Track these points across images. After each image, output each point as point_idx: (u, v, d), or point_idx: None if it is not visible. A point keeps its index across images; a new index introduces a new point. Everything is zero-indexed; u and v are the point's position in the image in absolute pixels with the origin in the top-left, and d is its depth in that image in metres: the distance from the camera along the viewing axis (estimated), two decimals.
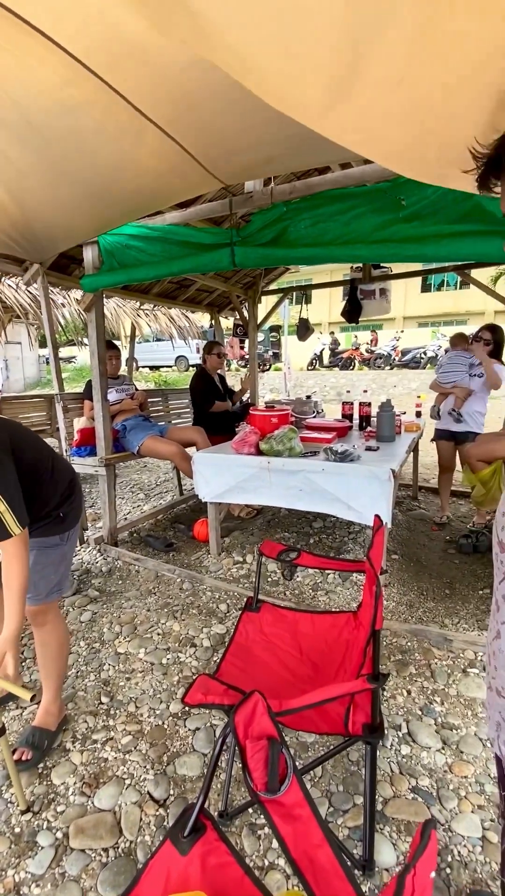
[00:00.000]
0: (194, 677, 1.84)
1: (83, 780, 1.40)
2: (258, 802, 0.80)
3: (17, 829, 1.27)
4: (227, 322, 5.64)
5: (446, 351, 3.75)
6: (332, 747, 1.49)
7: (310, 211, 2.22)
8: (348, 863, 0.81)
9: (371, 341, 15.69)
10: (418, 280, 18.62)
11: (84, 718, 1.63)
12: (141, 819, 1.28)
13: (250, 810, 1.30)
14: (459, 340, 3.48)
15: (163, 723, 1.62)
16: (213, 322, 5.19)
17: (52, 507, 1.49)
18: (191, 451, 3.17)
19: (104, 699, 1.72)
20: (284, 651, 1.47)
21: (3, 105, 1.27)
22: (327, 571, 2.64)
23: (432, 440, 3.47)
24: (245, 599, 2.38)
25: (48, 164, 1.57)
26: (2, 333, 4.29)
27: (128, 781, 1.40)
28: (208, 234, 2.52)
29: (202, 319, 5.86)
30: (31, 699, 1.12)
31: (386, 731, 1.53)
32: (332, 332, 16.28)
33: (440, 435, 3.36)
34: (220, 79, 1.21)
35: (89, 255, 2.81)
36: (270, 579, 2.61)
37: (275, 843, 1.22)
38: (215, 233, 2.53)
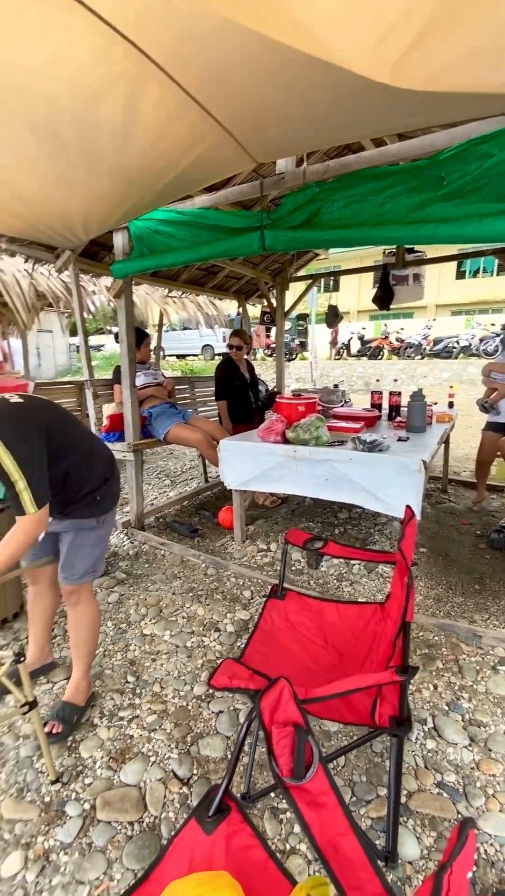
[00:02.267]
0: (219, 661, 1.85)
1: (110, 754, 1.44)
2: (283, 788, 0.80)
3: (47, 799, 1.31)
4: (254, 310, 5.59)
5: None
6: (355, 737, 1.48)
7: (343, 191, 2.14)
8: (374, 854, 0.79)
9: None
10: (453, 266, 17.93)
11: (111, 696, 1.67)
12: (165, 796, 1.31)
13: (273, 794, 1.31)
14: None
15: (187, 704, 1.64)
16: (240, 310, 5.15)
17: (88, 489, 1.51)
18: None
19: (130, 678, 1.76)
20: (308, 640, 1.46)
21: (34, 107, 1.27)
22: (353, 562, 2.60)
23: (483, 430, 3.44)
24: (269, 587, 2.38)
25: (80, 154, 1.56)
26: (35, 321, 4.38)
27: (152, 759, 1.43)
28: (238, 218, 2.48)
29: (229, 307, 5.82)
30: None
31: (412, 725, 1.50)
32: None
33: (489, 426, 3.37)
34: (251, 45, 1.17)
35: (119, 241, 2.82)
36: (294, 568, 2.60)
37: (297, 828, 1.23)
38: (245, 216, 2.48)
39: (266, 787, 1.29)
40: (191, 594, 2.35)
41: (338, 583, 2.44)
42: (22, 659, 1.21)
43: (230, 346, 3.74)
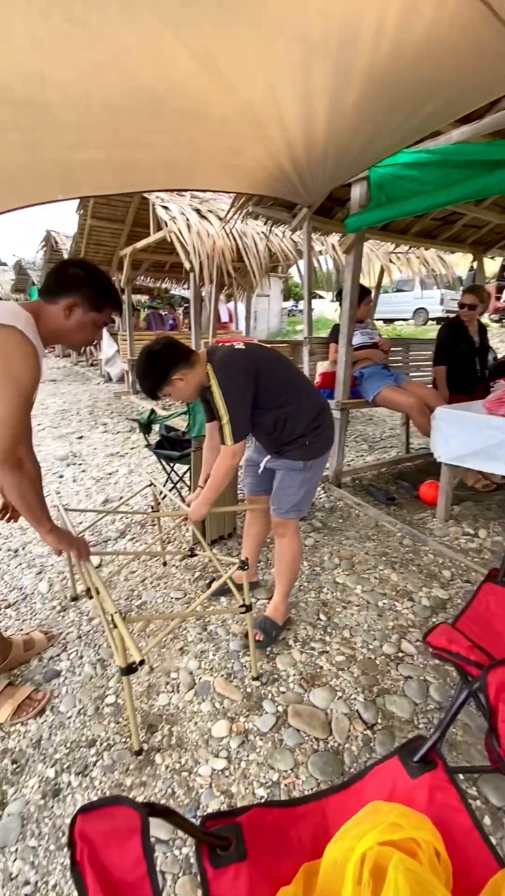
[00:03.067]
0: (410, 629, 1.81)
1: (301, 675, 1.59)
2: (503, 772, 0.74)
3: (249, 690, 1.54)
4: (491, 266, 4.82)
5: None
6: None
7: None
8: None
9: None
10: None
11: (304, 626, 1.82)
12: (350, 730, 1.38)
13: (462, 776, 1.24)
14: None
15: (375, 658, 1.66)
16: (474, 264, 4.51)
17: (297, 434, 1.61)
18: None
19: (322, 616, 1.88)
20: None
21: (308, 22, 1.25)
22: None
23: None
24: (473, 573, 2.16)
25: (344, 71, 1.50)
26: (267, 284, 4.73)
27: (339, 694, 1.51)
28: (503, 148, 2.11)
29: (460, 263, 5.16)
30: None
31: None
32: None
33: None
34: None
35: (357, 192, 2.75)
36: None
37: (488, 819, 1.14)
38: None
39: (464, 766, 1.23)
40: (384, 558, 2.32)
41: None
42: (245, 567, 1.40)
43: (462, 305, 3.34)
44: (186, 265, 3.99)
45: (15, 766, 1.30)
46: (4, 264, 23.62)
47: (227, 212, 3.30)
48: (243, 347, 1.59)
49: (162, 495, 2.10)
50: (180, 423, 3.89)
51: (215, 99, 1.52)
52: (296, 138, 1.91)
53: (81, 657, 1.68)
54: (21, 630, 1.81)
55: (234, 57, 1.34)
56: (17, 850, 1.10)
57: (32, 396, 1.21)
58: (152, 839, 1.10)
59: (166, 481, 2.85)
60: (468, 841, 0.77)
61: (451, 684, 1.55)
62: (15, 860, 1.08)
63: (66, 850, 1.08)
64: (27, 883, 1.04)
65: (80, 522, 2.70)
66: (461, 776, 1.24)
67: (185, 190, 2.49)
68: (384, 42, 1.34)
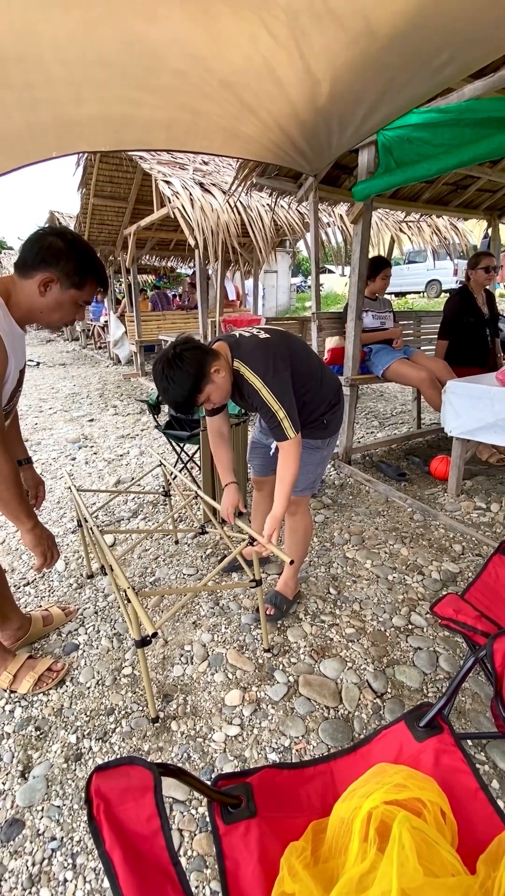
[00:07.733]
0: (421, 602, 1.82)
1: (312, 647, 1.62)
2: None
3: (261, 661, 1.58)
4: None
5: None
6: None
7: None
8: None
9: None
10: None
11: (314, 600, 1.85)
12: (359, 699, 1.41)
13: (470, 742, 1.26)
14: None
15: (385, 630, 1.69)
16: (488, 231, 4.34)
17: (318, 414, 1.60)
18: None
19: (332, 590, 1.90)
20: None
21: None
22: None
23: None
24: (485, 547, 2.16)
25: (347, 24, 1.41)
26: (273, 260, 4.62)
27: (349, 664, 1.54)
28: None
29: (474, 230, 4.97)
30: (290, 563, 1.29)
31: None
32: None
33: None
34: None
35: (365, 158, 2.64)
36: None
37: (496, 783, 1.17)
38: None
39: (471, 732, 1.25)
40: (394, 533, 2.33)
41: None
42: (254, 543, 1.42)
43: (486, 269, 3.22)
44: (191, 241, 3.91)
45: (38, 732, 1.36)
46: (11, 248, 23.49)
47: (231, 184, 3.21)
48: (270, 336, 1.49)
49: (172, 476, 2.12)
50: None
51: (212, 55, 1.45)
52: (299, 102, 1.83)
53: (98, 631, 1.74)
54: (40, 606, 1.87)
55: (231, 11, 1.27)
56: (43, 808, 1.16)
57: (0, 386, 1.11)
58: (169, 799, 1.15)
59: (176, 462, 2.87)
60: (474, 802, 0.79)
61: (460, 655, 1.57)
62: (42, 818, 1.14)
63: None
64: (53, 838, 1.10)
65: (94, 503, 2.74)
66: (469, 742, 1.27)
67: (185, 151, 2.38)
68: None
